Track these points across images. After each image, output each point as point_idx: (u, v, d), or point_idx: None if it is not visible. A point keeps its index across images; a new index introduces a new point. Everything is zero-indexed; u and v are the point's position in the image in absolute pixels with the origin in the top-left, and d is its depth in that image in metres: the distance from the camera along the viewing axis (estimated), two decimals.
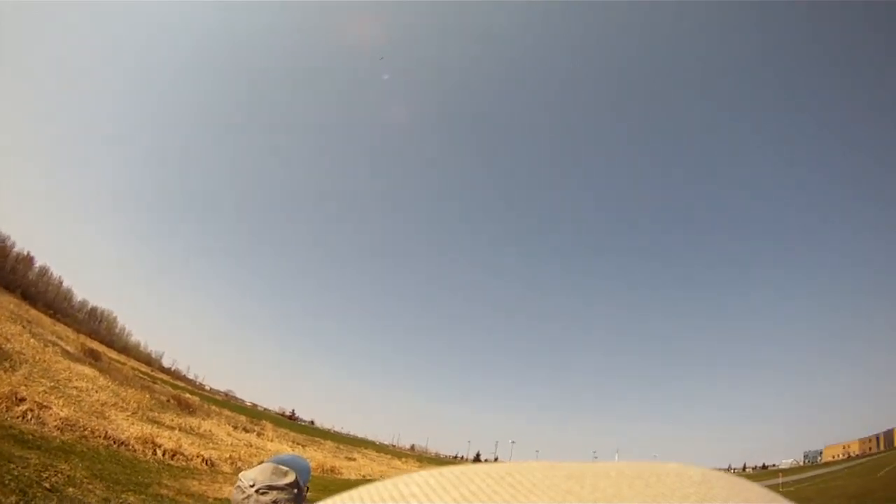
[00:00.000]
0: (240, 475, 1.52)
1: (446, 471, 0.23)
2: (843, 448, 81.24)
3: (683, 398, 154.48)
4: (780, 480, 41.98)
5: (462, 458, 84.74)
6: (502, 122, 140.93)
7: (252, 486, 1.45)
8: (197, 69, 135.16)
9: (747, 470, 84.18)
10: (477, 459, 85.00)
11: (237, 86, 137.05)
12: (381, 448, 56.09)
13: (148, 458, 13.19)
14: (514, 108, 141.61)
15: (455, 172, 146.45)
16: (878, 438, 76.80)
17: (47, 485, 7.41)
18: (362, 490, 0.23)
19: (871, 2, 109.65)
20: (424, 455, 69.95)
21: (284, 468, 1.52)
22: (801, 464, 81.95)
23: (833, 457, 78.67)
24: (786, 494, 0.25)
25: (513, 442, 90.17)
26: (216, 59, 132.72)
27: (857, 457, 70.34)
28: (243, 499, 1.44)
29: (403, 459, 47.31)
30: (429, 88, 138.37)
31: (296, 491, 1.49)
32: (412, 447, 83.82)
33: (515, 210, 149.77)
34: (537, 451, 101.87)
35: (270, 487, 1.45)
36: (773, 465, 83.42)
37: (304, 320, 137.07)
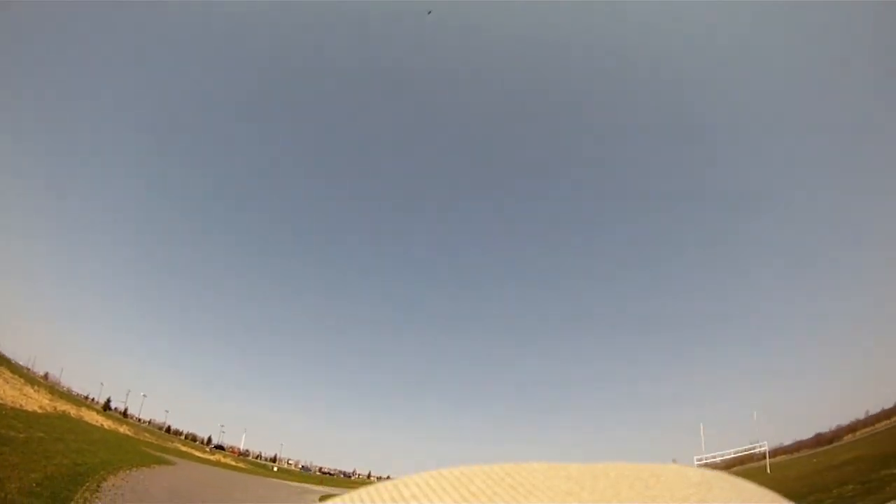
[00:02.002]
0: None
1: (446, 472, 0.24)
2: None
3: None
4: None
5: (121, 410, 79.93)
6: None
7: None
8: None
9: None
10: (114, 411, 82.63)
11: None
12: (17, 370, 51.75)
13: None
14: None
15: None
16: None
17: None
18: (362, 492, 0.24)
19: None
20: (60, 389, 64.06)
21: None
22: None
23: None
24: None
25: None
26: None
27: None
28: None
29: (35, 387, 45.24)
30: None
31: None
32: (46, 375, 74.80)
33: None
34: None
35: None
36: None
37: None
